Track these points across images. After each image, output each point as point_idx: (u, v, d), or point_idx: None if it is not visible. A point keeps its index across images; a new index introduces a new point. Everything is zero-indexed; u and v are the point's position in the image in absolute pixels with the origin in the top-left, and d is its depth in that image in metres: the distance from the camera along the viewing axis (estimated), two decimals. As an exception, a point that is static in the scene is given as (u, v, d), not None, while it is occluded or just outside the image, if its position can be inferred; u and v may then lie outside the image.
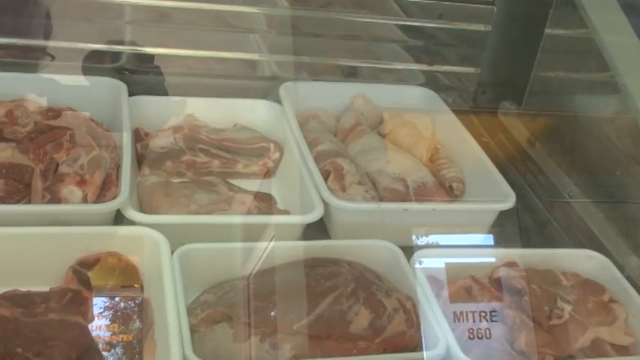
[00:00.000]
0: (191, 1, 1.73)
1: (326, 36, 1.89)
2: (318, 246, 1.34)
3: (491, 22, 1.89)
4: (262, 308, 1.17)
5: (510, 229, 1.48)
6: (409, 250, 1.32)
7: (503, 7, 1.89)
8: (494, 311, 1.24)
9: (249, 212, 1.40)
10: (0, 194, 1.31)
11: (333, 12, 1.89)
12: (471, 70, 1.95)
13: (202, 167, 1.55)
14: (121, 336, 1.16)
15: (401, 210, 1.44)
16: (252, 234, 1.32)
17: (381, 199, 1.49)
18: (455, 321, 1.21)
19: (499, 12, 1.89)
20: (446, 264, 1.32)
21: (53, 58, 1.68)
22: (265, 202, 1.44)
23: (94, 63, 1.68)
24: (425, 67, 1.92)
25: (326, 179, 1.48)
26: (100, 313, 1.17)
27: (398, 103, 1.80)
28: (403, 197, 1.50)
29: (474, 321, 1.22)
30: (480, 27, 1.89)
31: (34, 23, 1.68)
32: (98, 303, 1.18)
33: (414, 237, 1.35)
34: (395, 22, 1.90)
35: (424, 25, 1.89)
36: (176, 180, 1.48)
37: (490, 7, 1.88)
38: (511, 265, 1.34)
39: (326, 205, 1.40)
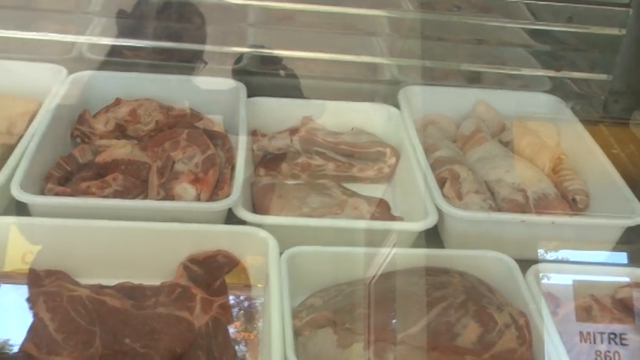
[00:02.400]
0: (315, 4, 1.73)
1: (450, 40, 1.85)
2: (430, 254, 1.30)
3: (626, 26, 1.78)
4: (368, 315, 1.15)
5: (638, 247, 1.39)
6: (525, 264, 1.27)
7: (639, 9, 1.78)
8: (615, 334, 1.17)
9: (361, 217, 1.39)
10: (119, 189, 1.35)
11: (459, 15, 1.84)
12: (602, 76, 1.85)
13: (317, 170, 1.54)
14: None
15: (518, 221, 1.38)
16: (364, 239, 1.30)
17: (499, 210, 1.44)
18: (571, 342, 1.14)
19: (635, 15, 1.78)
20: (564, 281, 1.25)
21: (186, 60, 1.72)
22: (379, 208, 1.42)
23: (216, 64, 1.71)
24: (552, 73, 1.84)
25: (442, 186, 1.44)
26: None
27: (522, 111, 1.73)
28: (522, 208, 1.44)
29: (592, 343, 1.15)
30: (614, 31, 1.79)
31: (160, 26, 1.72)
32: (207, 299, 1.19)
33: (531, 250, 1.29)
34: (522, 26, 1.83)
35: (553, 28, 1.81)
36: (290, 182, 1.49)
37: (625, 9, 1.77)
38: (637, 285, 1.26)
39: (440, 212, 1.36)
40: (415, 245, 1.36)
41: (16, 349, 1.07)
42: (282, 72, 1.74)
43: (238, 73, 1.70)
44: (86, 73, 1.65)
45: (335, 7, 1.74)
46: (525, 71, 1.85)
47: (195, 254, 1.25)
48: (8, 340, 1.08)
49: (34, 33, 1.67)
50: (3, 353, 1.07)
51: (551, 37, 1.83)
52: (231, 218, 1.33)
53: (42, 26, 1.75)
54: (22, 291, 1.14)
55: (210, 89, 1.63)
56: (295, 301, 1.20)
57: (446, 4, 1.92)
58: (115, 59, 1.72)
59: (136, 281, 1.21)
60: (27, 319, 1.09)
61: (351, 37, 1.82)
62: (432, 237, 1.39)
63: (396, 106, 1.67)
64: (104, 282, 1.21)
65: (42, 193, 1.35)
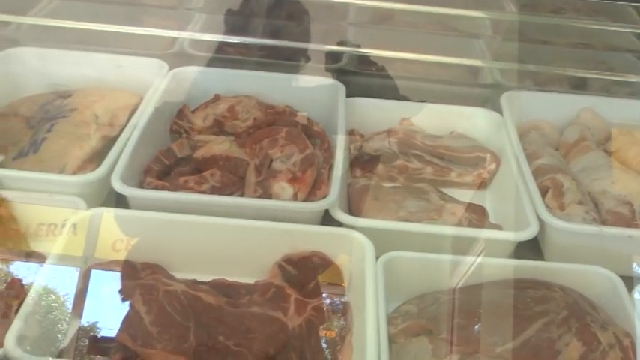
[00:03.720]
0: (417, 4, 1.70)
1: (555, 43, 1.79)
2: (529, 266, 1.26)
3: None
4: (465, 326, 1.12)
5: None
6: (630, 281, 1.21)
7: None
8: None
9: (459, 224, 1.35)
10: (216, 185, 1.35)
11: (565, 18, 1.78)
12: None
13: (415, 173, 1.51)
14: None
15: (624, 236, 1.31)
16: (461, 246, 1.27)
17: (603, 222, 1.37)
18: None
19: None
20: (673, 300, 1.19)
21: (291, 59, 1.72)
22: (477, 215, 1.38)
23: (315, 63, 1.70)
24: (664, 81, 1.76)
25: (543, 196, 1.39)
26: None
27: (629, 119, 1.66)
28: (628, 222, 1.37)
29: (701, 367, 1.10)
30: None
31: (261, 23, 1.73)
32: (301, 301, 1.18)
33: (637, 267, 1.23)
34: (631, 30, 1.76)
35: (666, 33, 1.73)
36: (387, 184, 1.46)
37: None
38: None
39: (541, 223, 1.31)
40: (513, 256, 1.31)
41: (105, 333, 1.08)
42: (381, 72, 1.72)
43: (337, 73, 1.68)
44: (187, 69, 1.66)
45: (436, 7, 1.70)
46: (634, 78, 1.77)
47: (291, 254, 1.24)
48: (98, 324, 1.10)
49: (138, 28, 1.70)
50: (93, 337, 1.09)
51: (665, 42, 1.75)
52: (326, 219, 1.32)
53: (146, 21, 1.78)
54: (114, 278, 1.16)
55: (309, 88, 1.62)
56: (389, 307, 1.17)
57: (550, 6, 1.86)
58: (216, 55, 1.73)
59: (230, 278, 1.22)
60: (118, 305, 1.11)
61: (452, 38, 1.78)
62: (531, 248, 1.34)
63: (498, 110, 1.62)
64: (198, 277, 1.22)
65: (141, 186, 1.37)
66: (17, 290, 1.15)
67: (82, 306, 1.13)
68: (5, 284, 1.16)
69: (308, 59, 1.71)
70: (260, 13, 1.73)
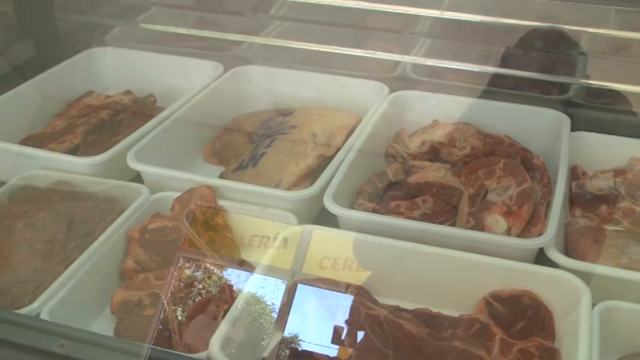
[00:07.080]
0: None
1: None
2: None
3: None
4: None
5: None
6: None
7: None
8: None
9: (690, 276, 1.22)
10: (427, 212, 1.33)
11: None
12: None
13: (641, 217, 1.40)
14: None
15: None
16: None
17: None
18: None
19: None
20: None
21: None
22: None
23: (540, 93, 1.63)
24: None
25: None
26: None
27: None
28: None
29: None
30: None
31: (485, 50, 1.69)
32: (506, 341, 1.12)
33: None
34: None
35: None
36: (609, 227, 1.36)
37: None
38: None
39: None
40: None
41: (304, 348, 1.08)
42: (612, 106, 1.61)
43: (563, 104, 1.60)
44: (406, 93, 1.66)
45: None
46: None
47: (500, 291, 1.18)
48: (298, 337, 1.10)
49: (362, 50, 1.72)
50: (293, 349, 1.09)
51: None
52: (539, 258, 1.25)
53: (370, 44, 1.80)
54: (318, 294, 1.16)
55: (531, 118, 1.55)
56: (603, 361, 1.09)
57: None
58: (437, 81, 1.71)
59: (434, 309, 1.18)
60: (319, 321, 1.11)
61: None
62: None
63: None
64: (401, 304, 1.19)
65: (352, 206, 1.37)
66: (227, 296, 1.18)
67: (285, 318, 1.14)
68: (217, 289, 1.20)
69: (533, 89, 1.64)
70: (484, 40, 1.69)
